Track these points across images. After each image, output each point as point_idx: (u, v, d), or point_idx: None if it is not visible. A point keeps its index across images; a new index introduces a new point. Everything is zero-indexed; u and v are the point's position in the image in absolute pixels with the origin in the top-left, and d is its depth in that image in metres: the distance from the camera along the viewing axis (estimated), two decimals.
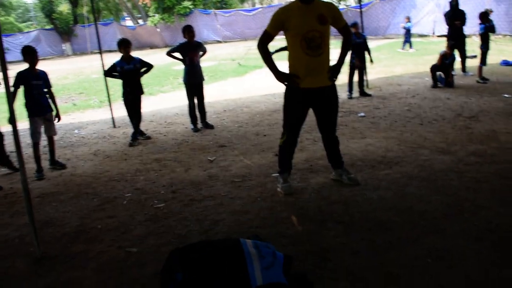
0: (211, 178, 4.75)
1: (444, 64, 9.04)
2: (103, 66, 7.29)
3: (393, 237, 3.16)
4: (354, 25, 8.49)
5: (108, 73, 6.69)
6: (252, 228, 3.46)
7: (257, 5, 33.67)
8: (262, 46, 3.86)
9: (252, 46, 13.97)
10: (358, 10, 22.90)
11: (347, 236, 3.21)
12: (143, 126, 7.00)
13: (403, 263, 2.81)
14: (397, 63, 13.15)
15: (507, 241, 3.03)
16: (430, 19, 21.66)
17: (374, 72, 10.99)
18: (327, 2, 3.91)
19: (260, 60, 4.13)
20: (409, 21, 17.89)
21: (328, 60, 3.86)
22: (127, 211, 4.08)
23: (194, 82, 6.95)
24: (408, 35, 17.48)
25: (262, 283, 2.13)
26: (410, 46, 17.22)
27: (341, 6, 29.06)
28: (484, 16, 9.81)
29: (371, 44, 18.13)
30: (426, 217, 3.45)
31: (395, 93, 8.61)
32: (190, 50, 6.86)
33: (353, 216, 3.52)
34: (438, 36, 19.76)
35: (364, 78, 8.87)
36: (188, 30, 6.88)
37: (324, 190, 4.10)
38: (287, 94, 3.94)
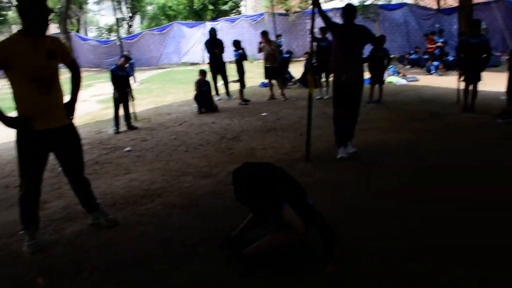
0: None
1: (202, 91, 9.58)
2: None
3: (151, 271, 3.07)
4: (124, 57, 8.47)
5: None
6: None
7: None
8: None
9: None
10: (130, 41, 22.93)
11: (102, 284, 2.99)
12: None
13: None
14: (168, 92, 13.47)
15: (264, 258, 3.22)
16: (199, 48, 23.03)
17: (144, 104, 11.02)
18: (53, 37, 3.65)
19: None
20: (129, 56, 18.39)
21: (62, 97, 3.58)
22: None
23: None
24: (131, 69, 17.89)
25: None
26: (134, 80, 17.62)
27: (112, 38, 28.76)
28: (237, 44, 10.82)
29: (144, 75, 18.38)
30: (186, 244, 3.48)
31: (164, 123, 8.72)
32: None
33: (109, 260, 3.31)
34: (208, 63, 21.12)
35: (131, 111, 8.71)
36: None
37: (80, 238, 3.76)
38: (19, 140, 3.47)
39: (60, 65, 3.59)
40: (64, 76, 3.55)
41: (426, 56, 17.16)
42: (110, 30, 31.83)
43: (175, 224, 3.90)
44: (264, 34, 10.68)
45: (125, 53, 18.15)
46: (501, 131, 6.75)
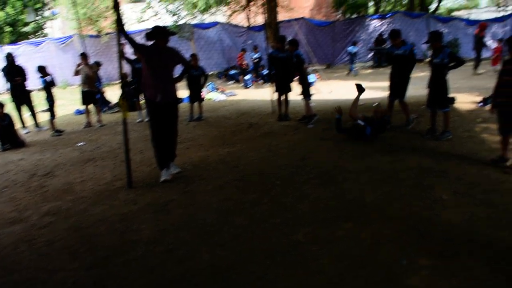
0: None
1: (2, 126, 8.47)
2: None
3: None
4: None
5: None
6: None
7: None
8: None
9: None
10: None
11: None
12: None
13: None
14: None
15: None
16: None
17: None
18: None
19: None
20: None
21: None
22: None
23: None
24: None
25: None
26: None
27: None
28: (43, 70, 9.88)
29: None
30: None
31: None
32: None
33: None
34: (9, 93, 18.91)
35: None
36: None
37: None
38: None
39: None
40: None
41: (238, 71, 18.37)
42: None
43: None
44: (84, 56, 10.27)
45: None
46: (312, 132, 7.64)
